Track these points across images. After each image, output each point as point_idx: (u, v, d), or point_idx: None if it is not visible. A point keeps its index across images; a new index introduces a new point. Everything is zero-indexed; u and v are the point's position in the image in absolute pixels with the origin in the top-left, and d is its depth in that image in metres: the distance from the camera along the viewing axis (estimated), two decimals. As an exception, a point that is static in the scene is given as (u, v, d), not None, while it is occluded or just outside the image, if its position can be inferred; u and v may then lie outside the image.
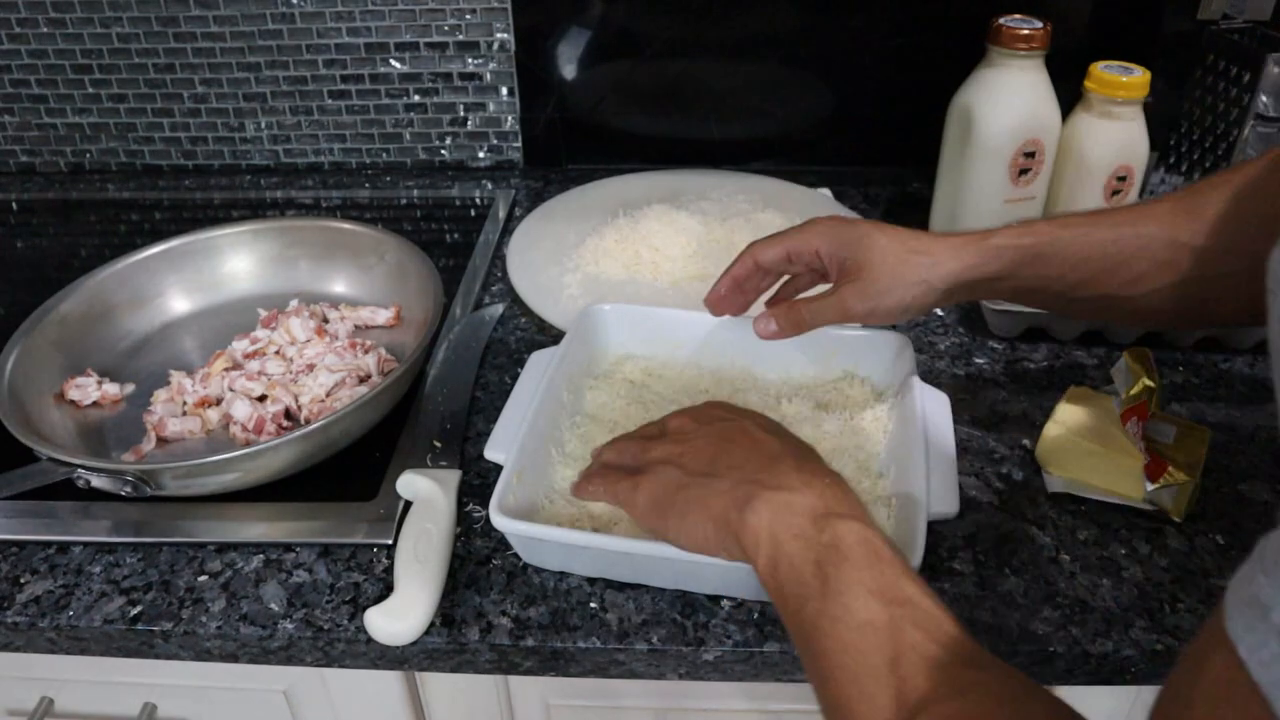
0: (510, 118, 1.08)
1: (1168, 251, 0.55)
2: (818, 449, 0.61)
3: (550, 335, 0.79)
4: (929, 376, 0.73)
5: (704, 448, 0.50)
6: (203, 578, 0.58)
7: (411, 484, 0.60)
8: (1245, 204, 0.53)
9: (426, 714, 0.65)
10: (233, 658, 0.56)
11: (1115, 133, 0.80)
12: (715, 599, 0.55)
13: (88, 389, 0.70)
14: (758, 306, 0.65)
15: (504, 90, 1.06)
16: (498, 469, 0.56)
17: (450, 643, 0.54)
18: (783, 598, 0.43)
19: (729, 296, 0.64)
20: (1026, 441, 0.67)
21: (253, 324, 0.77)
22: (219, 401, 0.70)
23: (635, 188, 0.98)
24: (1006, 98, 0.81)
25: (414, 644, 0.53)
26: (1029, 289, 0.58)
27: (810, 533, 0.43)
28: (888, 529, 0.56)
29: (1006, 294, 0.58)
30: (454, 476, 0.62)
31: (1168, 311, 0.57)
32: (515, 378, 0.69)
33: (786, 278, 0.65)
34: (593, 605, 0.55)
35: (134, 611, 0.56)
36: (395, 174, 1.11)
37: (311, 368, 0.72)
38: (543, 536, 0.54)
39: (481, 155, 1.11)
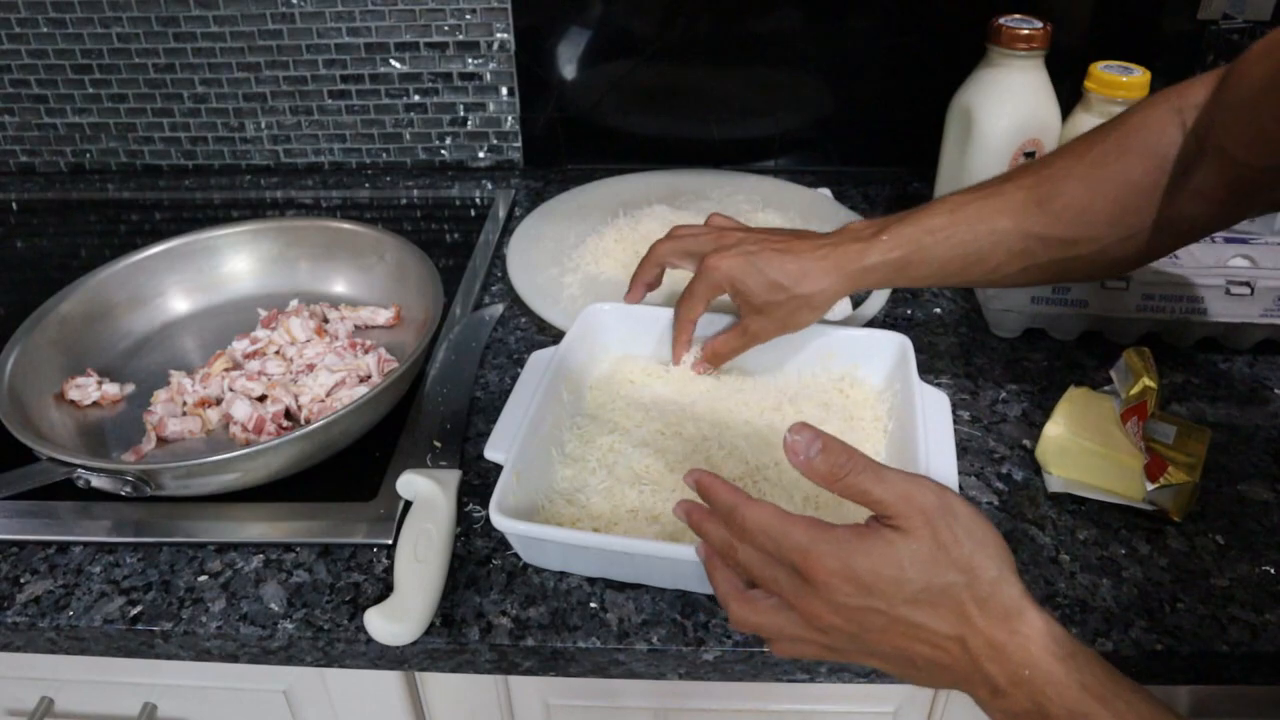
0: (510, 118, 1.08)
1: (1021, 243, 0.60)
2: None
3: (550, 335, 0.79)
4: (928, 377, 0.73)
5: (891, 657, 0.43)
6: (203, 578, 0.58)
7: (411, 484, 0.60)
8: (1092, 195, 0.59)
9: (426, 714, 0.65)
10: (233, 658, 0.56)
11: (1115, 133, 0.80)
12: (715, 599, 0.55)
13: (88, 389, 0.70)
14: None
15: (504, 90, 1.06)
16: (498, 469, 0.56)
17: (450, 643, 0.54)
18: None
19: (685, 349, 0.69)
20: (1026, 441, 0.67)
21: (253, 324, 0.77)
22: (219, 401, 0.70)
23: (635, 188, 0.98)
24: (1006, 98, 0.81)
25: (414, 644, 0.53)
26: (905, 284, 0.64)
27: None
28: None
29: (887, 288, 0.68)
30: (454, 476, 0.62)
31: (1027, 284, 0.65)
32: (515, 378, 0.69)
33: None
34: (593, 605, 0.55)
35: (134, 611, 0.56)
36: (395, 174, 1.11)
37: (311, 368, 0.72)
38: (543, 536, 0.54)
39: (481, 155, 1.11)
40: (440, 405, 0.70)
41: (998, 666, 0.41)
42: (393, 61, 1.05)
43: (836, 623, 0.42)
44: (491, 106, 1.07)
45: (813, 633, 0.43)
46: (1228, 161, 0.54)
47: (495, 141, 1.10)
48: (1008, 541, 0.59)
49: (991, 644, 0.41)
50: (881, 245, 0.62)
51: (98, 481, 0.59)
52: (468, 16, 1.01)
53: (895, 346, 0.67)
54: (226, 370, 0.72)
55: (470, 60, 1.04)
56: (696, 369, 0.69)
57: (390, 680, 0.62)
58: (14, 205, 1.08)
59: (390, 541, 0.59)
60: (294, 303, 0.79)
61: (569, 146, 1.09)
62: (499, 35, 1.02)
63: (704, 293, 0.65)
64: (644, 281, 0.71)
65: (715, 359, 0.68)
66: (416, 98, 1.07)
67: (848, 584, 0.41)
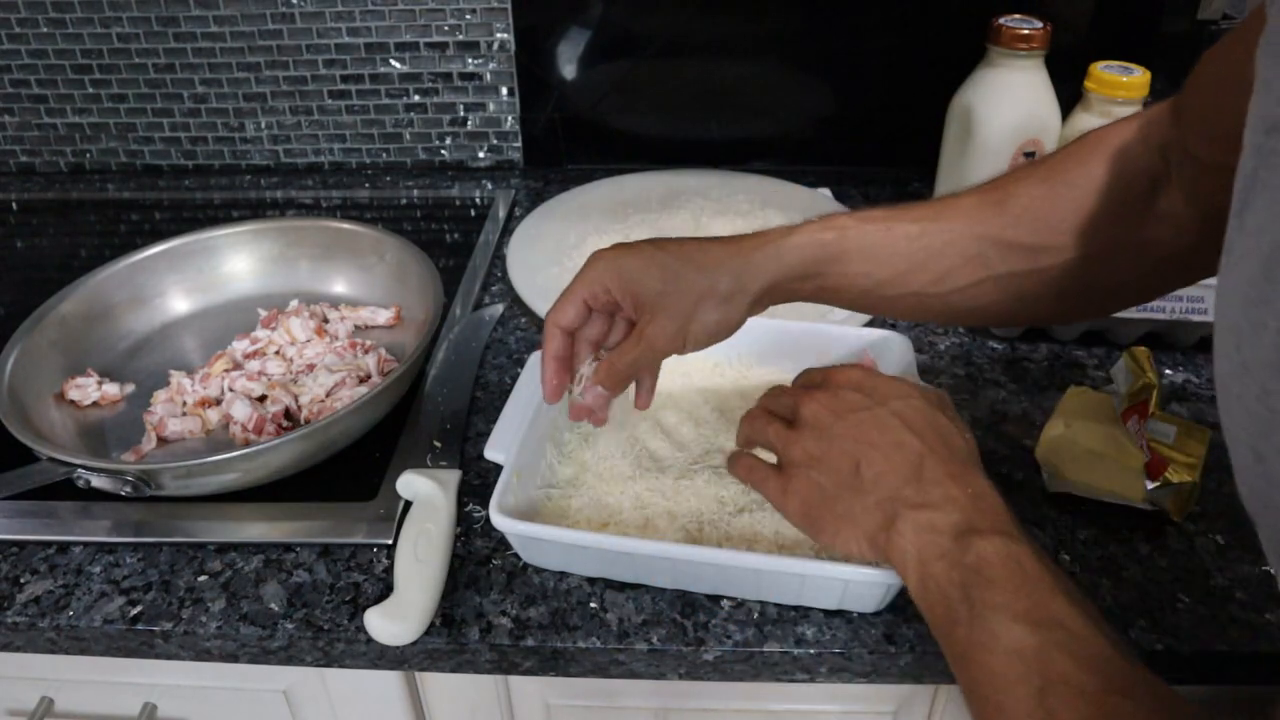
0: (510, 118, 1.08)
1: (975, 246, 0.53)
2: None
3: (550, 335, 0.79)
4: (929, 376, 0.73)
5: (847, 451, 0.48)
6: (203, 578, 0.58)
7: (411, 484, 0.60)
8: (1053, 198, 0.52)
9: (426, 714, 0.65)
10: (233, 658, 0.56)
11: (1115, 133, 0.80)
12: (715, 599, 0.55)
13: (88, 389, 0.70)
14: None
15: (504, 90, 1.06)
16: (498, 469, 0.56)
17: (450, 643, 0.54)
18: (934, 621, 0.43)
19: (562, 378, 0.56)
20: (1027, 441, 0.67)
21: (253, 324, 0.77)
22: (219, 402, 0.70)
23: (635, 188, 0.98)
24: (1006, 98, 0.81)
25: (414, 644, 0.53)
26: (835, 287, 0.56)
27: (954, 553, 0.42)
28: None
29: (813, 293, 0.56)
30: (454, 476, 0.62)
31: (984, 310, 0.56)
32: (515, 378, 0.69)
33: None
34: (593, 605, 0.56)
35: (134, 611, 0.56)
36: (395, 174, 1.11)
37: (311, 368, 0.72)
38: (543, 536, 0.54)
39: (481, 155, 1.11)
40: (440, 405, 0.70)
41: (943, 477, 0.45)
42: (393, 61, 1.05)
43: (823, 415, 0.49)
44: (491, 106, 1.07)
45: (813, 430, 0.50)
46: (1189, 173, 0.49)
47: (495, 141, 1.10)
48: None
49: (947, 471, 0.46)
50: (811, 226, 0.54)
51: (98, 481, 0.59)
52: (468, 16, 1.01)
53: (895, 346, 0.67)
54: (226, 370, 0.72)
55: (470, 60, 1.04)
56: (577, 411, 0.55)
57: (390, 680, 0.62)
58: (14, 205, 1.08)
59: (390, 541, 0.59)
60: (294, 303, 0.79)
61: (569, 146, 1.09)
62: (499, 35, 1.02)
63: (579, 289, 0.54)
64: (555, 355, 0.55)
65: (612, 380, 0.54)
66: (416, 98, 1.07)
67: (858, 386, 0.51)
